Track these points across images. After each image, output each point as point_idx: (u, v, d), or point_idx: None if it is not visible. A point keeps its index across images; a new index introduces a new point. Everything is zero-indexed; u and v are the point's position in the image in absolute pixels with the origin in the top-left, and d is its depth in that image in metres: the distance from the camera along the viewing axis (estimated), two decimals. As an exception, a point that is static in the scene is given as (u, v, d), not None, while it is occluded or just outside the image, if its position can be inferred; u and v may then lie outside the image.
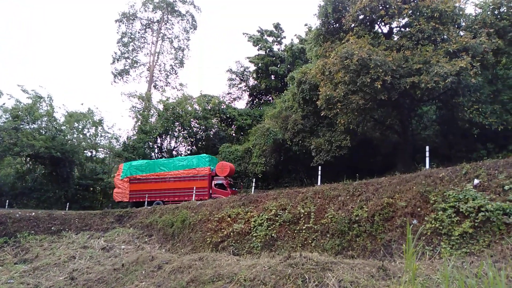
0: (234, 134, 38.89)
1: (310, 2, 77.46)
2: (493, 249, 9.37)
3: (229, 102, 42.76)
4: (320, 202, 14.17)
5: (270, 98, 41.79)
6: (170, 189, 23.13)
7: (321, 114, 19.34)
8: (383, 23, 18.04)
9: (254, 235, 14.63)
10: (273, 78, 40.23)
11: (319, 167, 18.87)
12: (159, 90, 44.51)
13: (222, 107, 38.13)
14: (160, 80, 45.03)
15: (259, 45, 39.59)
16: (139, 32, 44.96)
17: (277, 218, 14.62)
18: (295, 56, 36.62)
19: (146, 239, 18.54)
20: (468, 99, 17.20)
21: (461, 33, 17.38)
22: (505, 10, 17.89)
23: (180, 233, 17.56)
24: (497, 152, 18.26)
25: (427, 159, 14.72)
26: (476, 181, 11.17)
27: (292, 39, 40.06)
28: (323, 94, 17.44)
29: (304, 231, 13.52)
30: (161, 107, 35.92)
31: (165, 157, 35.84)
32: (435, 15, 15.70)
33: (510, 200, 9.94)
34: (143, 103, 37.02)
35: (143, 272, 12.85)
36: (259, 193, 18.08)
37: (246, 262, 11.47)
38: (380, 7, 16.46)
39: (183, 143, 36.68)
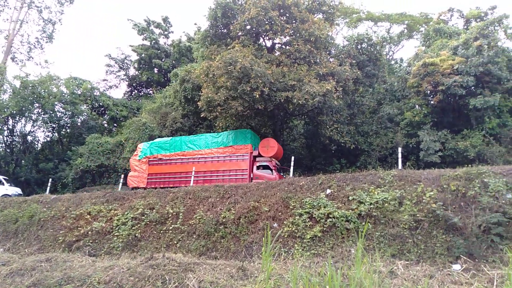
0: (106, 125, 35.97)
1: (203, 2, 77.43)
2: (335, 250, 10.76)
3: (104, 90, 39.43)
4: (190, 202, 14.12)
5: (150, 91, 40.10)
6: (199, 171, 18.73)
7: (201, 115, 19.41)
8: (267, 37, 19.16)
9: (115, 234, 13.69)
10: (156, 71, 38.74)
11: (194, 168, 18.84)
12: (18, 63, 38.20)
13: (95, 93, 34.89)
14: (21, 53, 38.65)
15: (145, 35, 37.72)
16: (-2, -8, 37.89)
17: (143, 217, 14.00)
18: (182, 53, 36.03)
19: (-21, 237, 15.58)
20: (330, 119, 19.54)
21: (331, 59, 19.69)
22: (365, 46, 20.99)
23: (26, 231, 15.31)
24: (348, 167, 21.20)
25: (292, 168, 16.12)
26: (328, 191, 12.70)
27: (180, 36, 39.34)
28: (205, 95, 17.54)
29: (170, 231, 13.26)
30: (18, 83, 30.87)
31: (17, 142, 30.92)
32: (311, 39, 17.42)
33: (352, 209, 11.59)
34: (-5, 75, 31.21)
35: (-31, 276, 10.72)
36: (127, 190, 17.06)
37: (103, 263, 10.65)
38: (266, 22, 17.47)
39: (42, 128, 32.18)
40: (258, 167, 17.87)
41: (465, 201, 10.86)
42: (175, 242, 12.90)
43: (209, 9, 18.94)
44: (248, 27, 18.44)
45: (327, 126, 18.92)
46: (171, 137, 21.36)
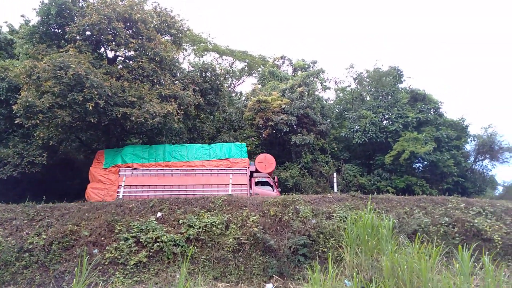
0: None
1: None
2: (160, 276, 10.42)
3: None
4: (-15, 225, 11.53)
5: None
6: (188, 185, 16.70)
7: (16, 121, 16.36)
8: (109, 48, 17.91)
9: None
10: (-40, 61, 31.20)
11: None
12: None
13: None
14: None
15: (-51, 14, 30.20)
16: None
17: None
18: (0, 46, 30.17)
19: None
20: (169, 141, 19.42)
21: (175, 82, 19.76)
22: (209, 75, 21.94)
23: None
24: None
25: (122, 189, 15.18)
26: (159, 214, 12.37)
27: (1, 26, 33.01)
28: (24, 99, 14.89)
29: None
30: None
31: None
32: (156, 59, 17.15)
33: (181, 233, 11.56)
34: None
35: None
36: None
37: None
38: (109, 32, 16.38)
39: None
40: (257, 183, 17.16)
41: (281, 225, 12.23)
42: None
43: (41, 3, 16.54)
44: (88, 32, 16.87)
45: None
46: (150, 145, 18.61)
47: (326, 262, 10.32)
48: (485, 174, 25.85)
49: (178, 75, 20.66)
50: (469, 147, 25.53)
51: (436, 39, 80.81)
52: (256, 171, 17.79)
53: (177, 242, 11.27)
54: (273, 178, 18.58)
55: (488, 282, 7.57)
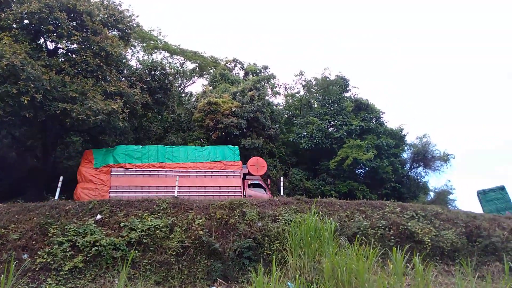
0: None
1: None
2: (97, 282, 9.89)
3: None
4: None
5: None
6: (182, 186, 16.56)
7: None
8: (49, 39, 16.79)
9: None
10: None
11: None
12: None
13: None
14: None
15: None
16: None
17: None
18: None
19: None
20: (113, 140, 18.61)
21: (122, 79, 19.01)
22: (158, 74, 21.39)
23: None
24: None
25: (58, 189, 14.26)
26: (98, 216, 11.78)
27: None
28: None
29: None
30: None
31: None
32: (102, 54, 16.36)
33: (122, 236, 11.08)
34: None
35: None
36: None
37: None
38: (50, 22, 15.37)
39: None
40: (250, 186, 17.62)
41: (227, 228, 12.18)
42: None
43: (-29, -15, 15.19)
44: (26, 21, 15.69)
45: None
46: (143, 145, 18.42)
47: (270, 264, 10.43)
48: (419, 180, 27.82)
49: (125, 72, 19.89)
50: (405, 155, 27.34)
51: (386, 45, 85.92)
52: (249, 173, 18.22)
53: (118, 246, 10.77)
54: (266, 181, 19.07)
55: (418, 281, 8.11)
